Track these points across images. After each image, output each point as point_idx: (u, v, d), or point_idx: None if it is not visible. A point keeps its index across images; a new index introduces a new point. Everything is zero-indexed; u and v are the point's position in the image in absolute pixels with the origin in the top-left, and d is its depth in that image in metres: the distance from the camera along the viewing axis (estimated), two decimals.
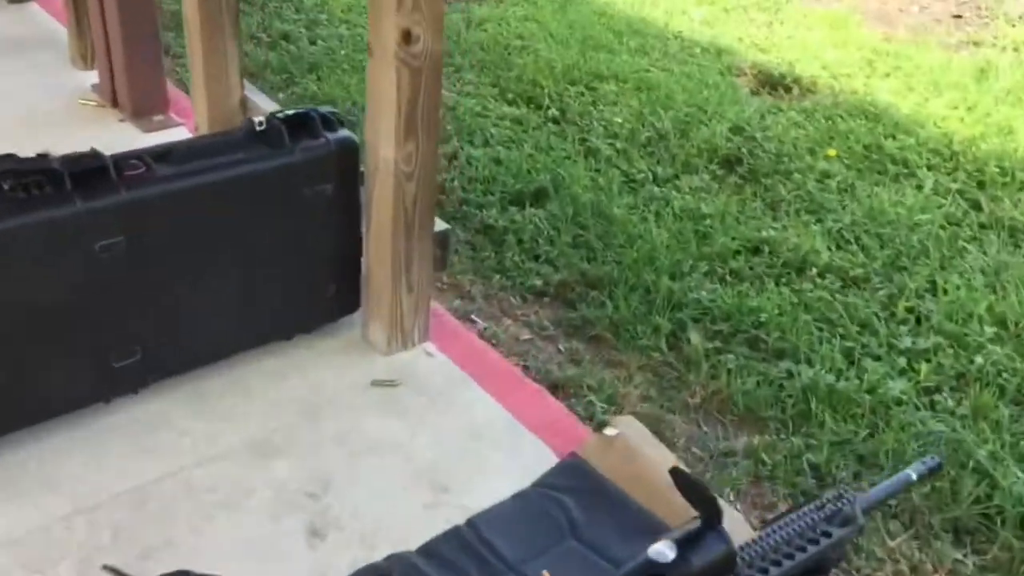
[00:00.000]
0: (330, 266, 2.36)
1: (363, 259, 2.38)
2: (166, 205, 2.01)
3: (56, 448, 2.06)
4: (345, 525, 1.95)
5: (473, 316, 3.04)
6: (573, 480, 2.07)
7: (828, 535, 1.39)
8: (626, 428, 2.18)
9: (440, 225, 2.39)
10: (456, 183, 3.74)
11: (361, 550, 1.90)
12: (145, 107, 3.29)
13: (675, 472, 1.29)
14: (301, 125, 2.24)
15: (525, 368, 2.81)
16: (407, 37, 2.06)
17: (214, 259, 2.15)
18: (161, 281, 2.08)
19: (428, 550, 1.90)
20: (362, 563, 1.86)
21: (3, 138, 2.18)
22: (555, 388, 2.73)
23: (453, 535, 1.94)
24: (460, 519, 1.97)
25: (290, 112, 2.26)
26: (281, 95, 4.34)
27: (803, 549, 1.36)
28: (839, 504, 1.43)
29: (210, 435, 2.14)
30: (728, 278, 3.29)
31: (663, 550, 1.24)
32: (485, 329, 2.97)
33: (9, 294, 1.89)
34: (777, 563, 1.33)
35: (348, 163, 2.27)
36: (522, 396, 2.35)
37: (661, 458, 2.12)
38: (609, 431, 2.16)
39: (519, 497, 2.04)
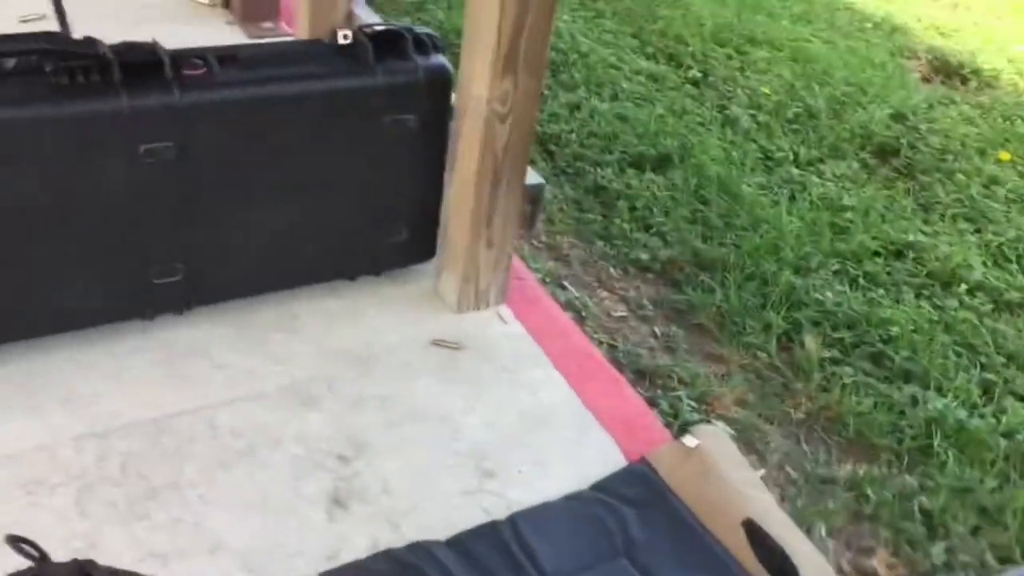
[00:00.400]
0: (405, 207, 2.12)
1: (443, 205, 2.13)
2: (224, 113, 1.80)
3: (83, 362, 1.90)
4: (371, 499, 1.73)
5: (564, 282, 2.77)
6: (638, 490, 1.79)
7: None
8: (709, 439, 1.88)
9: (533, 178, 2.12)
10: (574, 135, 3.45)
11: (384, 529, 1.67)
12: (256, 12, 3.11)
13: (749, 527, 1.00)
14: (392, 44, 1.99)
15: (612, 347, 2.52)
16: None
17: (273, 180, 1.94)
18: (211, 196, 1.88)
19: (458, 543, 1.66)
20: (383, 545, 1.63)
21: (101, 24, 1.99)
22: (641, 376, 2.44)
23: (489, 531, 1.69)
24: (502, 513, 1.72)
25: (381, 28, 2.01)
26: (406, 19, 4.11)
27: None
28: None
29: (247, 372, 1.95)
30: (861, 281, 2.91)
31: None
32: (576, 299, 2.69)
33: (42, 189, 1.72)
34: None
35: (438, 94, 2.01)
36: (600, 383, 2.07)
37: (743, 482, 1.81)
38: (689, 440, 1.86)
39: (573, 499, 1.77)
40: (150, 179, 1.77)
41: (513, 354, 2.09)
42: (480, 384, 2.00)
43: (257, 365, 1.97)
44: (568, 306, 2.61)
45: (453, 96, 2.04)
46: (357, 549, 1.63)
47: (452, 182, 2.07)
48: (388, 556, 1.61)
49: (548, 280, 2.73)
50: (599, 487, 1.80)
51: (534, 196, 2.10)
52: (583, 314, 2.64)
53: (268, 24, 3.07)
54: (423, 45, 2.00)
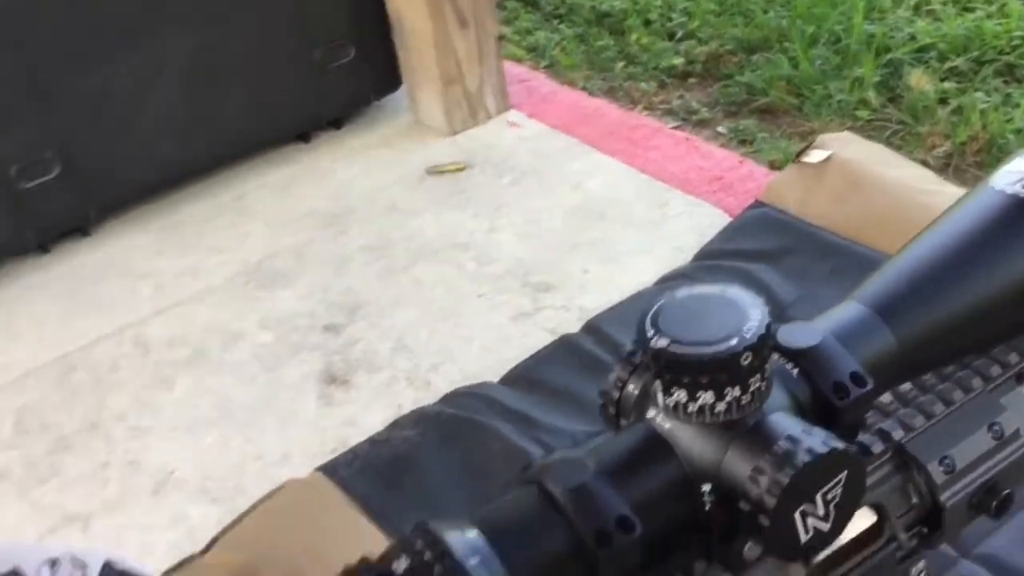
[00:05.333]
0: (344, 12, 1.55)
1: None
2: None
3: None
4: (382, 363, 1.15)
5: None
6: (764, 238, 1.18)
7: None
8: (843, 147, 1.26)
9: None
10: None
11: (408, 393, 1.10)
12: None
13: None
14: None
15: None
16: None
17: (165, 14, 1.38)
18: (80, 55, 1.33)
19: (517, 376, 1.07)
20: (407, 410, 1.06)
21: None
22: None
23: (559, 347, 1.10)
24: (572, 325, 1.13)
25: None
26: None
27: None
28: None
29: (182, 272, 1.38)
30: (950, 8, 2.28)
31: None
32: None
33: None
34: None
35: None
36: (666, 148, 1.48)
37: (917, 179, 1.19)
38: (816, 154, 1.24)
39: (674, 277, 1.17)
40: None
41: (537, 155, 1.51)
42: (501, 198, 1.42)
43: (195, 262, 1.41)
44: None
45: None
46: (375, 428, 1.05)
47: None
48: (414, 419, 1.02)
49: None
50: (706, 254, 1.20)
51: None
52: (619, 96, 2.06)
53: None
54: None
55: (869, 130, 1.95)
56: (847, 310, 0.39)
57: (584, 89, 2.34)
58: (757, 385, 0.35)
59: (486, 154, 1.52)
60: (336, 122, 1.64)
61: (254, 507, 0.93)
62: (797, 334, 0.39)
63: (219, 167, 1.55)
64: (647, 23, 2.56)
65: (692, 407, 0.35)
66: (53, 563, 0.71)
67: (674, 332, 0.34)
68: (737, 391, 0.35)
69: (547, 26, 2.70)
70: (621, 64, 2.42)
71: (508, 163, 1.50)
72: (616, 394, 0.39)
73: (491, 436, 0.95)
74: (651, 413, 0.37)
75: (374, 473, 0.95)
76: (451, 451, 0.96)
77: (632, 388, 0.38)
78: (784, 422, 0.35)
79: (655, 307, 0.36)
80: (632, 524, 0.33)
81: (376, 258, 1.34)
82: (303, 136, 1.63)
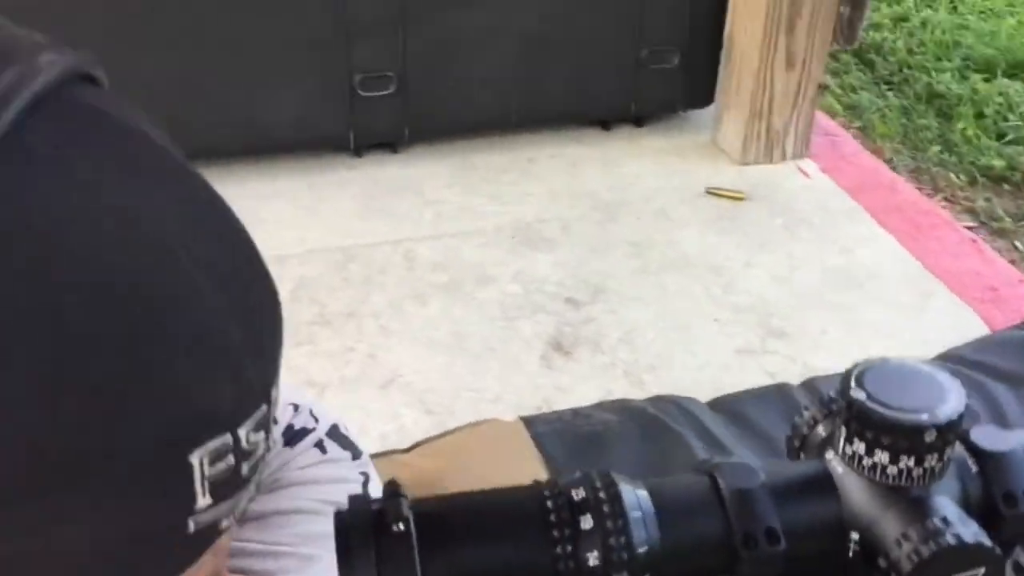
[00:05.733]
0: (679, 18, 1.62)
1: (727, 13, 1.62)
2: None
3: (277, 190, 1.57)
4: (607, 348, 1.23)
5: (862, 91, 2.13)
6: (1011, 359, 1.15)
7: None
8: None
9: None
10: (900, 43, 2.80)
11: (621, 383, 1.17)
12: None
13: None
14: None
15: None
16: None
17: None
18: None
19: (726, 404, 1.11)
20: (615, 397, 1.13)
21: None
22: None
23: (775, 394, 1.13)
24: (793, 377, 1.16)
25: None
26: None
27: None
28: None
29: (463, 208, 1.53)
30: None
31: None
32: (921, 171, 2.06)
33: None
34: None
35: None
36: (949, 243, 1.45)
37: None
38: None
39: (905, 365, 1.17)
40: None
41: (818, 208, 1.52)
42: (769, 236, 1.45)
43: (477, 203, 1.54)
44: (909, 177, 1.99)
45: None
46: (578, 400, 1.13)
47: None
48: (618, 407, 1.09)
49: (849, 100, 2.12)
50: (952, 356, 1.18)
51: None
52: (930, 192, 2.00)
53: None
54: None
55: None
56: None
57: (889, 161, 2.29)
58: (932, 464, 0.38)
59: (768, 192, 1.56)
60: (639, 120, 1.73)
61: (458, 429, 1.04)
62: (991, 437, 0.41)
63: (524, 129, 1.67)
64: (979, 115, 2.46)
65: (867, 462, 0.39)
66: (296, 407, 0.84)
67: (873, 390, 0.38)
68: (911, 462, 0.38)
69: (874, 89, 2.65)
70: (937, 148, 2.34)
71: (786, 207, 1.53)
72: (805, 430, 0.43)
73: (681, 445, 1.01)
74: (829, 455, 0.41)
75: (569, 440, 1.03)
76: (641, 446, 1.02)
77: (820, 429, 0.43)
78: (946, 506, 0.38)
79: (866, 364, 0.40)
80: (779, 538, 0.38)
81: (634, 254, 1.42)
82: (605, 124, 1.72)
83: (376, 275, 1.37)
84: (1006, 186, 2.20)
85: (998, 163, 2.23)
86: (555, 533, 0.37)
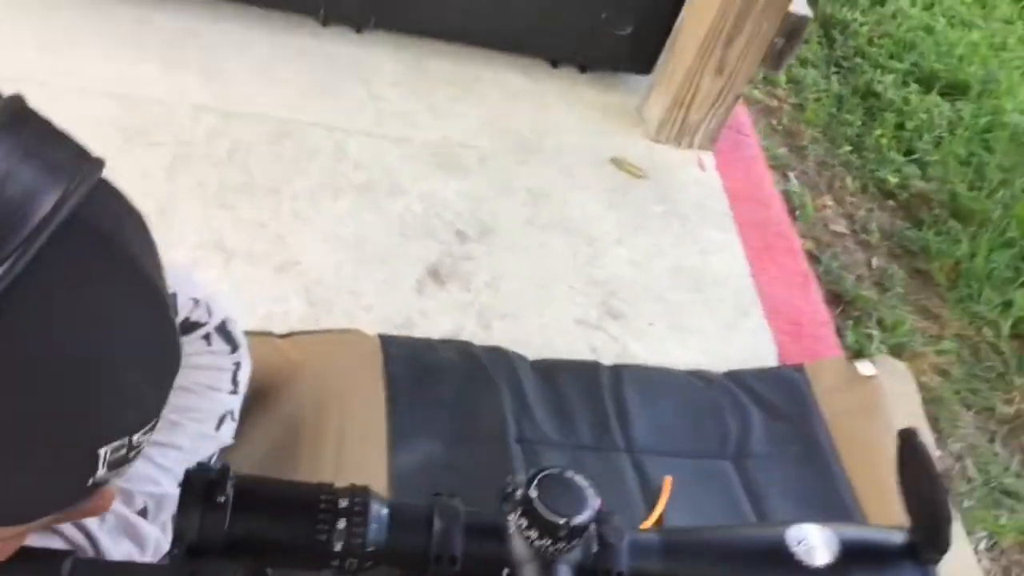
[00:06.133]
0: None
1: (682, 9, 1.77)
2: None
3: (241, 42, 1.72)
4: (473, 287, 1.47)
5: (790, 173, 2.36)
6: (780, 397, 1.44)
7: None
8: (889, 375, 1.49)
9: (801, 8, 1.71)
10: (865, 29, 2.94)
11: (472, 323, 1.42)
12: None
13: (906, 436, 0.65)
14: None
15: (814, 258, 2.12)
16: None
17: None
18: None
19: (546, 368, 1.38)
20: (464, 338, 1.38)
21: None
22: (836, 299, 2.03)
23: (587, 370, 1.40)
24: (609, 359, 1.43)
25: None
26: None
27: None
28: None
29: (400, 113, 1.71)
30: None
31: (812, 543, 0.64)
32: (795, 193, 2.29)
33: None
34: None
35: None
36: (784, 271, 1.71)
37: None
38: (864, 367, 1.48)
39: (698, 377, 1.45)
40: None
41: (697, 204, 1.75)
42: (645, 220, 1.68)
43: (414, 111, 1.72)
44: (783, 197, 2.22)
45: None
46: (434, 331, 1.38)
47: None
48: (461, 348, 1.35)
49: (773, 163, 2.33)
50: (735, 377, 1.46)
51: (793, 29, 1.70)
52: (796, 213, 2.23)
53: None
54: None
55: (982, 348, 2.10)
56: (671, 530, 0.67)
57: (803, 149, 2.51)
58: (562, 545, 0.58)
59: (663, 177, 1.78)
60: (583, 68, 1.90)
61: (328, 331, 1.29)
62: (616, 531, 0.67)
63: (480, 45, 1.83)
64: (900, 126, 2.66)
65: (526, 531, 0.56)
66: (196, 302, 1.05)
67: (541, 491, 0.56)
68: (550, 541, 0.61)
69: (823, 68, 2.82)
70: (848, 148, 2.56)
71: (672, 196, 1.75)
72: (509, 489, 0.68)
73: (495, 402, 1.28)
74: (511, 516, 0.64)
75: (411, 366, 1.29)
76: (463, 386, 1.29)
77: (516, 494, 0.67)
78: (564, 571, 0.63)
79: (545, 472, 0.64)
80: (456, 561, 0.63)
81: (529, 202, 1.64)
82: (554, 62, 1.89)
83: (304, 158, 1.56)
84: (890, 202, 2.45)
85: (892, 178, 2.47)
86: (321, 525, 0.62)
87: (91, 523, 0.84)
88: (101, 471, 0.49)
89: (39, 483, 0.47)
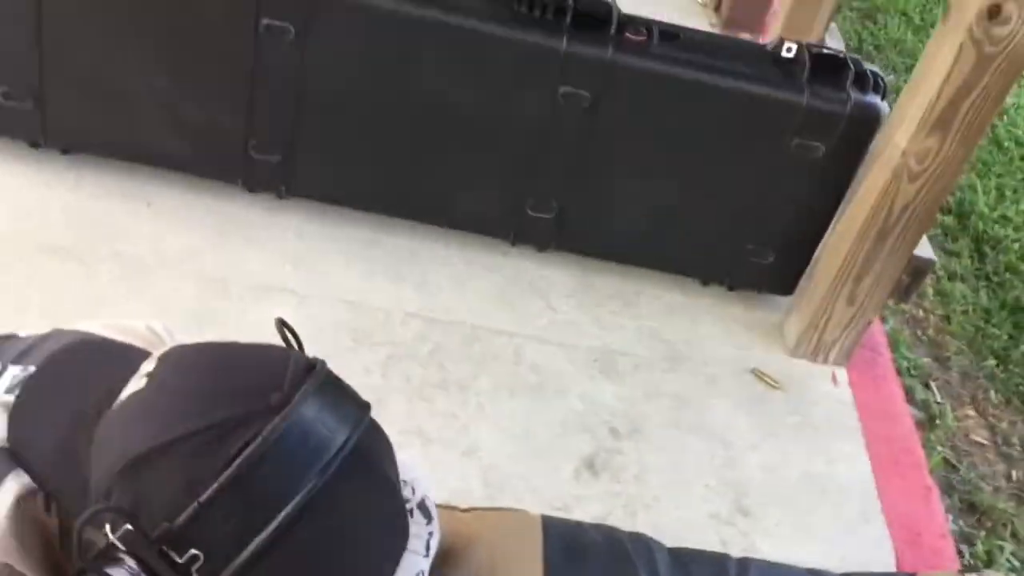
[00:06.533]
0: (781, 233, 2.07)
1: (820, 245, 2.05)
2: (645, 83, 1.88)
3: (445, 259, 2.11)
4: (622, 479, 1.74)
5: (931, 383, 2.52)
6: None
7: None
8: None
9: (925, 250, 1.96)
10: (1017, 247, 3.10)
11: (619, 511, 1.68)
12: (741, 21, 3.17)
13: None
14: (832, 70, 1.93)
15: (951, 466, 2.27)
16: (994, 11, 1.65)
17: (666, 160, 1.99)
18: (605, 153, 1.97)
19: (680, 556, 1.61)
20: (612, 523, 1.64)
21: None
22: (971, 509, 2.17)
23: (716, 561, 1.62)
24: (737, 552, 1.65)
25: (827, 52, 1.96)
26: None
27: None
28: None
29: (569, 322, 2.04)
30: None
31: None
32: (936, 403, 2.45)
33: (474, 99, 1.92)
34: None
35: (858, 133, 1.93)
36: (908, 485, 1.89)
37: None
38: None
39: (816, 574, 1.64)
40: (559, 120, 1.91)
41: (828, 417, 1.97)
42: (779, 429, 1.92)
43: (581, 321, 2.05)
44: (922, 406, 2.39)
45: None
46: (586, 514, 1.65)
47: (837, 224, 1.98)
48: (609, 532, 1.61)
49: (913, 372, 2.51)
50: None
51: (918, 269, 1.93)
52: (935, 420, 2.39)
53: (748, 36, 3.11)
54: (863, 80, 1.92)
55: None
56: None
57: (947, 360, 2.67)
58: None
59: (799, 389, 2.01)
60: (731, 287, 2.19)
61: (499, 508, 1.58)
62: None
63: (642, 265, 2.16)
64: None
65: None
66: (405, 483, 1.37)
67: None
68: None
69: (971, 282, 2.99)
70: (994, 362, 2.69)
71: (806, 407, 1.98)
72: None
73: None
74: None
75: (567, 543, 1.55)
76: (611, 570, 1.54)
77: None
78: None
79: None
80: None
81: (674, 407, 1.90)
82: (705, 281, 2.19)
83: (489, 359, 1.90)
84: None
85: None
86: None
87: None
88: None
89: None
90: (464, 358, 1.89)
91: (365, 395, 0.80)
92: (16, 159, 2.04)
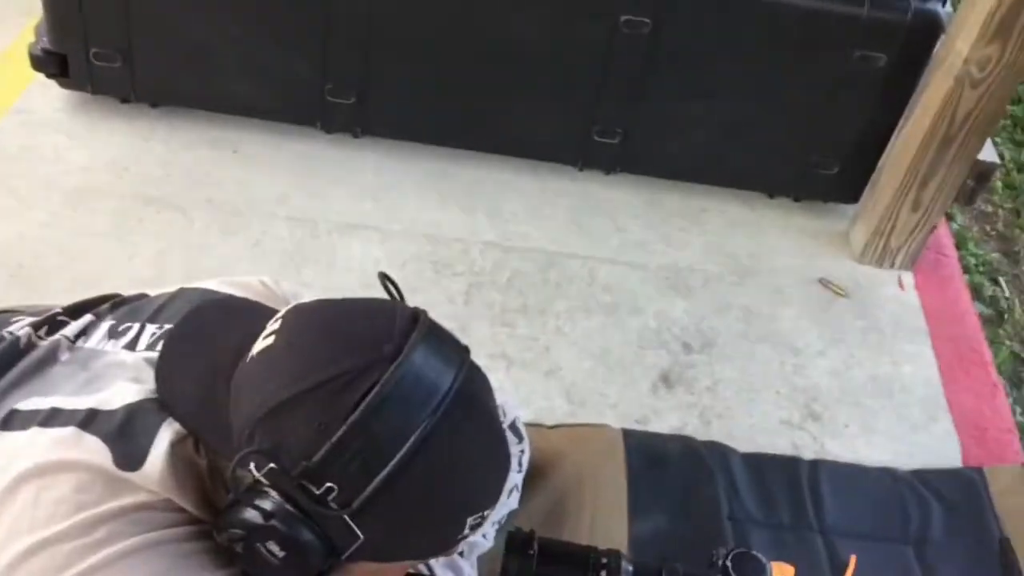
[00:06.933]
0: (846, 143, 2.10)
1: (884, 153, 2.08)
2: (704, 5, 1.91)
3: (519, 188, 2.20)
4: (696, 391, 1.84)
5: (1001, 278, 2.55)
6: (959, 496, 1.70)
7: None
8: None
9: (989, 154, 1.98)
10: None
11: (694, 421, 1.79)
12: None
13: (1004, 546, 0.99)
14: None
15: (1019, 358, 2.32)
16: None
17: (729, 79, 2.03)
18: (669, 77, 2.02)
19: (754, 460, 1.72)
20: (687, 433, 1.75)
21: None
22: None
23: (789, 463, 1.73)
24: (809, 455, 1.75)
25: None
26: None
27: None
28: None
29: (639, 243, 2.12)
30: None
31: None
32: (1005, 298, 2.48)
33: (538, 34, 1.98)
34: None
35: (920, 40, 1.94)
36: (973, 382, 1.95)
37: None
38: None
39: (886, 472, 1.74)
40: (622, 47, 1.96)
41: (894, 320, 2.03)
42: (846, 334, 1.99)
43: (650, 240, 2.13)
44: (990, 302, 2.43)
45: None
46: (663, 425, 1.76)
47: (901, 132, 2.01)
48: (685, 441, 1.72)
49: (982, 269, 2.54)
50: (919, 474, 1.74)
51: (983, 173, 1.96)
52: (1004, 315, 2.43)
53: None
54: None
55: None
56: None
57: (1017, 254, 2.68)
58: None
59: (865, 295, 2.07)
60: (797, 198, 2.24)
61: (582, 424, 1.70)
62: None
63: (708, 182, 2.22)
64: None
65: None
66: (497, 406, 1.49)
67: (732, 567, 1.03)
68: None
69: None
70: None
71: (873, 312, 2.05)
72: (713, 557, 1.07)
73: (711, 487, 1.64)
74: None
75: (647, 453, 1.67)
76: (690, 477, 1.66)
77: (719, 560, 1.07)
78: None
79: (735, 552, 1.04)
80: None
81: (743, 319, 1.99)
82: (771, 193, 2.25)
83: (565, 283, 2.00)
84: None
85: None
86: (591, 574, 1.05)
87: (432, 560, 1.28)
88: (466, 531, 0.90)
89: (442, 538, 0.90)
90: (541, 283, 1.99)
91: (450, 323, 0.89)
92: (111, 115, 2.18)
